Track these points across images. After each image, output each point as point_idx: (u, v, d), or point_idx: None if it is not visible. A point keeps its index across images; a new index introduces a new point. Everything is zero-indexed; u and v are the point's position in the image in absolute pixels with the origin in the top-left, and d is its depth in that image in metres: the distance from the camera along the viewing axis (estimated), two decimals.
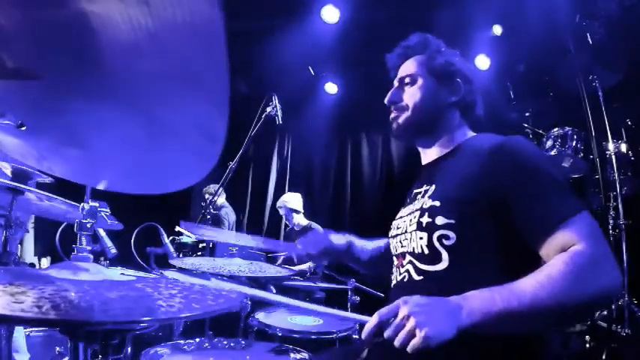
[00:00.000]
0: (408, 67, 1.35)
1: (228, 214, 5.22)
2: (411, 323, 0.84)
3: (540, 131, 3.69)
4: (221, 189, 4.85)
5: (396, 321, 0.86)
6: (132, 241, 2.06)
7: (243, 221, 6.21)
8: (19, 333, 2.76)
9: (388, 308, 0.90)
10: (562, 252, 0.95)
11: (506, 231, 1.04)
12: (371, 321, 0.89)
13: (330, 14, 4.60)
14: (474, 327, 0.88)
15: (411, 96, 1.31)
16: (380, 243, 1.57)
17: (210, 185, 5.07)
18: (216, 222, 5.02)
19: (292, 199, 4.45)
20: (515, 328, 0.93)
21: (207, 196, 5.07)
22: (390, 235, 1.35)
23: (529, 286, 0.90)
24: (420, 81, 1.32)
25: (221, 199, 5.18)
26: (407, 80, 1.34)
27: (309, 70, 5.43)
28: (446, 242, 1.08)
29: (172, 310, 0.62)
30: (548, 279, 0.89)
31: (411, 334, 0.83)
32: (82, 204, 0.86)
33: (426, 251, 1.11)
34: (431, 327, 0.83)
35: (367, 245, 1.57)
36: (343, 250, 1.50)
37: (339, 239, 1.50)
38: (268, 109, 2.62)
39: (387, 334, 0.87)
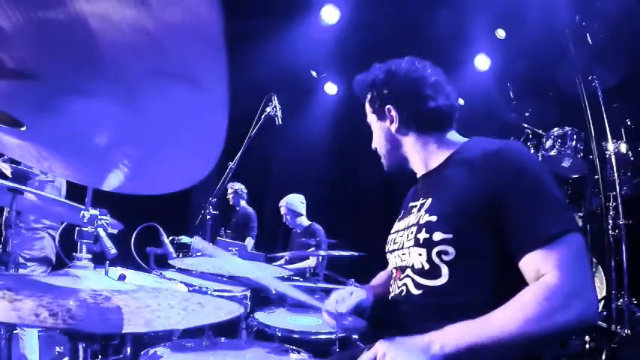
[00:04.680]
0: (367, 113, 1.42)
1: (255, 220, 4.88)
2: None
3: (540, 131, 3.69)
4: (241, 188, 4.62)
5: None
6: (132, 241, 2.06)
7: None
8: (33, 335, 2.77)
9: (369, 353, 0.98)
10: (536, 277, 0.97)
11: (503, 242, 1.03)
12: None
13: (330, 14, 4.60)
14: (447, 358, 0.94)
15: (374, 143, 1.43)
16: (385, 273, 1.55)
17: (236, 182, 4.94)
18: (242, 226, 4.81)
19: (295, 200, 4.43)
20: (489, 358, 0.97)
21: (229, 190, 4.95)
22: (387, 250, 1.34)
23: (500, 319, 0.95)
24: (372, 126, 1.42)
25: (242, 202, 5.05)
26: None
27: (311, 72, 5.43)
28: (445, 258, 1.07)
29: (170, 321, 0.63)
30: (518, 313, 0.94)
31: None
32: (82, 212, 0.85)
33: (426, 267, 1.11)
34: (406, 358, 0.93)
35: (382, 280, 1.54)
36: (369, 304, 1.40)
37: (360, 295, 1.39)
38: (268, 109, 2.62)
39: None
